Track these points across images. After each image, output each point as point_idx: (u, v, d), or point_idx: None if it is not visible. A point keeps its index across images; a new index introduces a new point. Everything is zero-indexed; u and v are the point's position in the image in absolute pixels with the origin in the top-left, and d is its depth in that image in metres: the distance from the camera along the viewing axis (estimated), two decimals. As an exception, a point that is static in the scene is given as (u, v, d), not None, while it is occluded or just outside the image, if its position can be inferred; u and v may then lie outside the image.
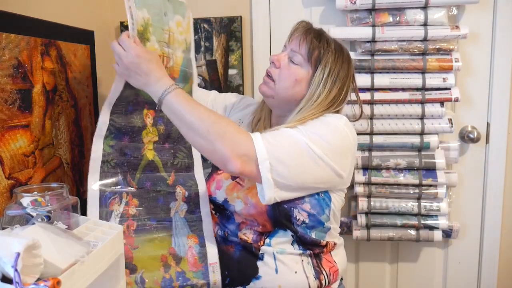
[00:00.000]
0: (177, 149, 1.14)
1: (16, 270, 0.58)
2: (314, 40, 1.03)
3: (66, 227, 0.81)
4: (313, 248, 1.05)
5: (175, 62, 1.10)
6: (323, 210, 1.02)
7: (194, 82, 1.21)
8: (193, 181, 1.14)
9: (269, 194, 0.92)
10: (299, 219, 1.01)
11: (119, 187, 1.04)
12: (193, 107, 0.92)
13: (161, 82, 0.94)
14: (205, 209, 1.12)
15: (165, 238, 1.07)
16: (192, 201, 1.12)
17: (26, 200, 0.82)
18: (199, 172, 1.15)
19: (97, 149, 1.02)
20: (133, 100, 1.06)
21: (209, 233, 1.10)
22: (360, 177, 1.48)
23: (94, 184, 1.01)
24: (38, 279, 0.62)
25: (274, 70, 1.07)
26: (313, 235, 1.04)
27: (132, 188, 1.05)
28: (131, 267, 0.99)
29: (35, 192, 0.87)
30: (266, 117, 1.16)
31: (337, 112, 1.06)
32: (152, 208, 1.07)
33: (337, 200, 1.06)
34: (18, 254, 0.58)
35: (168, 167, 1.12)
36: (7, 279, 0.61)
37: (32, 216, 0.79)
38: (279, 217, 1.00)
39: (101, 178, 1.02)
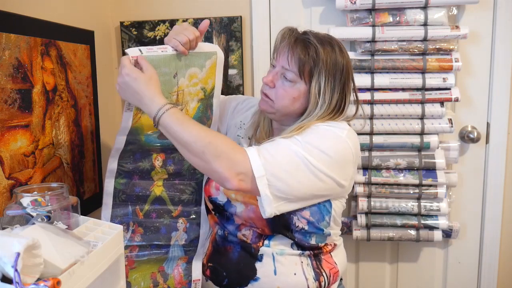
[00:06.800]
0: (187, 184, 1.18)
1: (16, 270, 0.58)
2: (302, 54, 0.99)
3: (66, 227, 0.81)
4: (312, 249, 1.05)
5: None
6: (323, 217, 1.02)
7: (216, 95, 1.19)
8: (197, 214, 1.19)
9: (269, 209, 0.93)
10: (298, 226, 1.01)
11: (127, 217, 1.13)
12: (188, 127, 0.91)
13: (154, 102, 0.92)
14: (203, 236, 1.17)
15: (160, 259, 1.13)
16: (193, 231, 1.17)
17: (26, 200, 0.82)
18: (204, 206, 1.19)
19: (109, 186, 1.11)
20: (139, 150, 1.11)
21: (200, 252, 1.14)
22: (360, 177, 1.48)
23: (107, 214, 1.11)
24: (38, 279, 0.62)
25: (270, 92, 1.05)
26: (312, 241, 1.04)
27: (139, 218, 1.14)
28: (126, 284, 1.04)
29: (35, 192, 0.87)
30: (265, 122, 1.14)
31: (342, 113, 1.04)
32: (154, 236, 1.15)
33: (338, 206, 1.06)
34: (18, 254, 0.58)
35: (176, 202, 1.18)
36: (7, 279, 0.61)
37: (32, 216, 0.79)
38: (278, 224, 1.00)
39: (113, 208, 1.12)
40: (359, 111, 1.12)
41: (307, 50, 0.99)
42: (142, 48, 0.98)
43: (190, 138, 0.90)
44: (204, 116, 1.16)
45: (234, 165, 0.90)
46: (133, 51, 0.96)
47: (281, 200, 0.93)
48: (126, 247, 1.12)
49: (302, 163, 0.93)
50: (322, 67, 0.99)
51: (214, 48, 1.12)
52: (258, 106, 1.10)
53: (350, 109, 1.08)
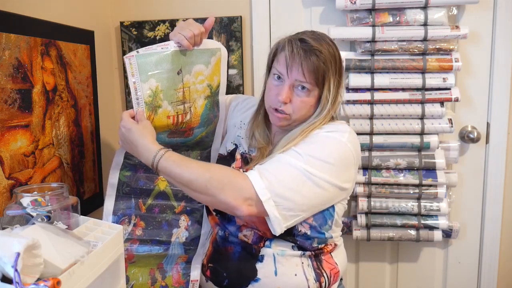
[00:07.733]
0: None
1: (16, 270, 0.58)
2: (316, 65, 0.98)
3: (66, 227, 0.81)
4: (313, 250, 1.05)
5: (194, 113, 1.12)
6: (326, 221, 1.02)
7: (221, 92, 1.20)
8: (200, 212, 1.19)
9: (279, 229, 0.94)
10: (300, 231, 1.01)
11: (130, 209, 1.15)
12: (187, 166, 0.93)
13: (148, 150, 0.95)
14: (204, 237, 1.18)
15: (160, 255, 1.14)
16: (194, 230, 1.18)
17: (26, 200, 0.82)
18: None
19: (114, 177, 1.13)
20: None
21: (200, 252, 1.14)
22: (360, 177, 1.48)
23: (110, 205, 1.13)
24: (38, 279, 0.62)
25: (286, 107, 1.02)
26: (314, 243, 1.04)
27: (141, 212, 1.15)
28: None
29: (35, 192, 0.87)
30: (260, 130, 1.12)
31: (335, 104, 1.04)
32: (156, 231, 1.16)
33: (340, 209, 1.06)
34: (18, 254, 0.58)
35: (179, 197, 1.19)
36: (7, 279, 0.61)
37: (32, 216, 0.79)
38: None
39: (116, 200, 1.13)
40: (338, 100, 1.08)
41: (318, 59, 0.99)
42: (140, 49, 0.99)
43: (191, 176, 0.92)
44: (211, 113, 1.17)
45: (239, 192, 0.91)
46: (129, 54, 0.97)
47: (290, 219, 0.94)
48: (126, 240, 1.12)
49: (305, 177, 0.93)
50: (330, 68, 1.00)
51: (218, 45, 1.13)
52: (273, 123, 1.08)
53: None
